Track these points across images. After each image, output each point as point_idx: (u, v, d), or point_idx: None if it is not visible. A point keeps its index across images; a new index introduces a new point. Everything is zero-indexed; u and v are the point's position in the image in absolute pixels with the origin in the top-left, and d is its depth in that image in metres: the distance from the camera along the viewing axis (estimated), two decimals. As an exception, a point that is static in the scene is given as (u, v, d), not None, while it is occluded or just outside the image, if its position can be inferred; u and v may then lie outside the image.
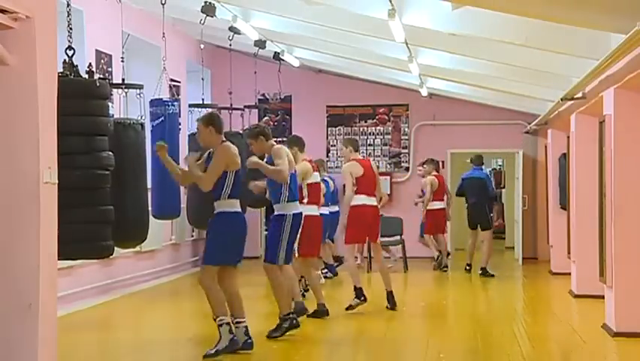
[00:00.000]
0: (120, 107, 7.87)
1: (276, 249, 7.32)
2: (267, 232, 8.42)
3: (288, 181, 7.32)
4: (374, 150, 15.60)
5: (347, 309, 8.85)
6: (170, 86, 9.08)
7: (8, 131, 5.09)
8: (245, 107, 11.19)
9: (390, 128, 15.57)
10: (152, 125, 7.99)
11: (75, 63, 6.03)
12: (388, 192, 13.96)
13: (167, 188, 7.57)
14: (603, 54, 6.64)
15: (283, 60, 12.80)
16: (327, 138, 15.62)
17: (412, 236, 14.03)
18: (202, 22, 9.60)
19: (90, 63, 7.13)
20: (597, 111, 8.53)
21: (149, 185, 7.29)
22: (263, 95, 14.76)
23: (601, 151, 8.34)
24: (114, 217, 6.15)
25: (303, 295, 9.65)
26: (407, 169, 15.46)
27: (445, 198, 13.59)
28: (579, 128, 10.09)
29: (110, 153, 6.14)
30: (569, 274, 10.83)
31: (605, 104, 8.11)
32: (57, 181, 5.24)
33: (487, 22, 7.66)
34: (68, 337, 7.29)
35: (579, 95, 8.65)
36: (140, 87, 7.63)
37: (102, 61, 10.30)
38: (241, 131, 10.11)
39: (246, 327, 6.80)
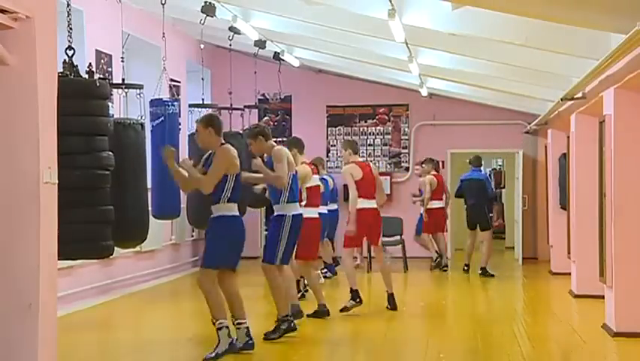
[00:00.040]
0: (120, 107, 7.87)
1: (274, 249, 7.30)
2: (266, 232, 8.42)
3: (290, 182, 7.30)
4: (374, 150, 15.60)
5: (342, 310, 8.79)
6: (170, 86, 9.08)
7: (8, 131, 5.09)
8: (245, 107, 11.19)
9: (390, 128, 15.57)
10: (152, 125, 7.98)
11: (75, 63, 6.03)
12: (388, 192, 13.95)
13: (167, 188, 7.56)
14: (603, 54, 6.63)
15: (283, 60, 12.80)
16: (327, 138, 15.61)
17: (412, 236, 14.00)
18: (202, 22, 9.60)
19: (90, 63, 7.13)
20: (597, 111, 8.53)
21: (149, 185, 7.29)
22: (263, 95, 14.76)
23: (601, 151, 8.34)
24: (114, 217, 6.15)
25: (303, 296, 9.66)
26: (407, 169, 15.46)
27: (444, 197, 13.60)
28: (579, 128, 10.09)
29: (110, 153, 6.14)
30: (569, 274, 10.83)
31: (605, 104, 8.11)
32: (57, 181, 5.24)
33: (487, 22, 7.66)
34: (68, 337, 7.29)
35: (579, 95, 8.65)
36: (140, 87, 7.63)
37: (102, 61, 10.30)
38: (241, 132, 10.11)
39: (247, 328, 6.79)
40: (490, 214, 13.47)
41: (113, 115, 7.02)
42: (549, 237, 13.29)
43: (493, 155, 19.87)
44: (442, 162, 15.28)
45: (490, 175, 20.91)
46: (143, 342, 7.85)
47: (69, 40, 5.98)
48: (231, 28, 10.31)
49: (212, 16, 9.50)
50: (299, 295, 9.43)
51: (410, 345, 7.68)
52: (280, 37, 11.78)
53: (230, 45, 10.79)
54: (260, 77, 11.61)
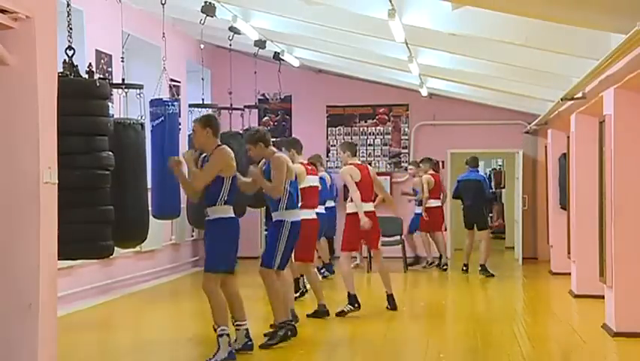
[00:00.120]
0: (120, 107, 7.87)
1: (272, 253, 7.20)
2: (266, 232, 8.39)
3: (288, 188, 7.22)
4: (374, 150, 15.60)
5: (338, 315, 8.74)
6: (170, 86, 9.08)
7: (8, 131, 5.09)
8: (245, 107, 11.18)
9: (390, 128, 15.57)
10: (152, 125, 7.97)
11: (75, 63, 6.02)
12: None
13: (167, 188, 7.56)
14: (603, 54, 6.63)
15: (283, 60, 12.79)
16: (327, 137, 15.61)
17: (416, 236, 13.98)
18: (202, 22, 9.60)
19: (90, 63, 7.13)
20: (597, 111, 8.53)
21: (149, 185, 7.29)
22: (263, 95, 14.75)
23: (601, 151, 8.34)
24: (114, 217, 6.14)
25: (303, 294, 9.65)
26: (407, 169, 15.46)
27: (441, 197, 13.63)
28: (579, 128, 10.09)
29: (110, 153, 6.13)
30: (569, 274, 10.83)
31: (605, 104, 8.11)
32: (57, 181, 5.24)
33: (487, 22, 7.66)
34: (68, 337, 7.29)
35: (579, 95, 8.65)
36: (140, 87, 7.62)
37: (102, 61, 10.30)
38: (241, 132, 10.11)
39: (247, 329, 6.78)
40: (490, 214, 13.51)
41: (113, 115, 7.02)
42: (549, 237, 13.29)
43: (493, 155, 19.88)
44: (442, 162, 15.30)
45: (490, 175, 20.93)
46: (143, 342, 7.85)
47: (69, 40, 5.98)
48: (231, 28, 10.31)
49: (212, 16, 9.49)
50: (298, 293, 9.44)
51: (410, 345, 7.68)
52: (280, 37, 11.78)
53: (230, 45, 10.78)
54: (260, 77, 11.60)
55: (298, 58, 13.38)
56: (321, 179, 10.34)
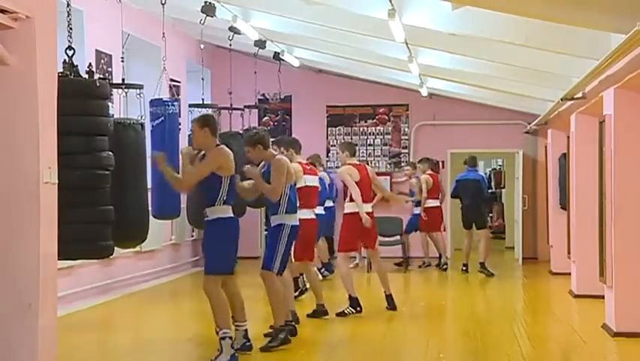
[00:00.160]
0: (120, 107, 7.86)
1: (272, 256, 7.10)
2: (266, 232, 8.37)
3: (288, 192, 7.15)
4: (374, 150, 15.61)
5: (338, 315, 8.73)
6: (170, 86, 9.07)
7: (8, 131, 5.10)
8: (245, 107, 11.17)
9: (390, 128, 15.57)
10: (152, 125, 7.97)
11: (75, 63, 6.02)
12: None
13: (167, 188, 7.52)
14: (603, 54, 6.64)
15: (283, 60, 12.79)
16: (327, 137, 15.61)
17: (412, 236, 13.97)
18: (202, 22, 9.60)
19: (90, 63, 7.13)
20: (597, 111, 8.53)
21: (149, 185, 7.28)
22: (263, 95, 14.76)
23: (601, 151, 8.34)
24: (114, 217, 6.14)
25: (302, 293, 9.63)
26: (414, 166, 15.42)
27: (440, 197, 13.64)
28: (579, 128, 10.09)
29: (110, 153, 6.13)
30: (569, 274, 10.83)
31: (605, 104, 8.11)
32: (57, 181, 5.24)
33: (487, 22, 7.66)
34: (68, 337, 7.29)
35: (579, 95, 8.66)
36: (140, 87, 7.62)
37: (102, 61, 10.30)
38: (241, 132, 10.10)
39: (246, 330, 6.76)
40: (490, 214, 13.51)
41: (113, 115, 7.01)
42: (549, 237, 13.29)
43: (493, 155, 19.88)
44: (442, 162, 15.31)
45: (490, 175, 20.95)
46: (143, 342, 7.85)
47: (69, 40, 5.98)
48: (231, 28, 10.31)
49: (212, 16, 9.49)
50: (298, 292, 9.42)
51: (410, 345, 7.67)
52: (280, 37, 11.78)
53: (230, 45, 10.78)
54: (260, 77, 11.60)
55: (298, 58, 13.38)
56: (320, 179, 10.34)
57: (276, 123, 15.51)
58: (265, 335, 7.37)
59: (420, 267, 13.54)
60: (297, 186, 7.87)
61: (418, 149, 15.41)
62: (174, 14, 11.21)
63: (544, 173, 14.35)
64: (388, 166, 15.52)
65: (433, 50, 10.10)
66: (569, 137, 10.93)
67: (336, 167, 14.31)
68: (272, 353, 6.96)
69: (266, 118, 15.42)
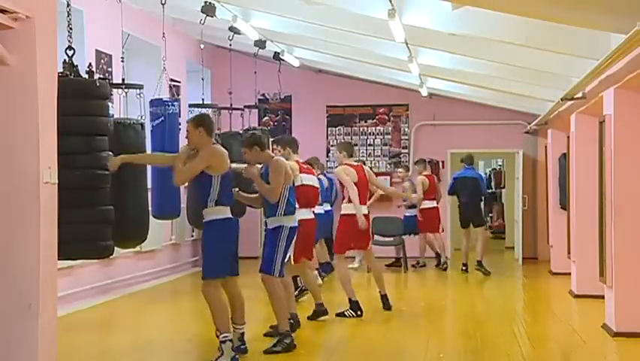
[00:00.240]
0: (120, 107, 7.87)
1: (272, 260, 7.03)
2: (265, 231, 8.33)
3: (286, 194, 7.08)
4: (374, 150, 15.61)
5: (338, 315, 8.72)
6: (170, 86, 9.07)
7: (8, 131, 5.10)
8: (245, 107, 11.18)
9: (390, 128, 15.57)
10: (152, 125, 7.97)
11: (75, 63, 6.03)
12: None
13: (167, 188, 7.54)
14: (603, 54, 6.64)
15: (283, 60, 12.79)
16: (327, 137, 15.61)
17: (412, 236, 13.98)
18: (202, 22, 9.60)
19: (90, 63, 7.13)
20: (597, 111, 8.53)
21: (149, 185, 7.29)
22: (263, 95, 14.76)
23: (601, 151, 8.34)
24: (114, 217, 6.15)
25: (302, 291, 9.61)
26: (407, 169, 15.44)
27: (437, 197, 13.63)
28: (579, 128, 10.10)
29: (110, 153, 6.14)
30: (569, 274, 10.83)
31: (605, 104, 8.11)
32: (57, 181, 5.24)
33: (487, 22, 7.66)
34: (68, 337, 7.29)
35: (579, 95, 8.66)
36: (140, 87, 7.62)
37: (102, 61, 10.30)
38: (241, 132, 10.11)
39: (243, 333, 6.72)
40: (490, 214, 13.50)
41: (113, 115, 7.01)
42: (549, 237, 13.30)
43: (493, 155, 19.89)
44: (442, 162, 15.33)
45: (490, 175, 20.96)
46: (143, 342, 7.85)
47: (69, 40, 5.98)
48: (231, 28, 10.31)
49: (212, 16, 9.49)
50: (297, 291, 9.40)
51: (410, 345, 7.67)
52: (280, 37, 11.78)
53: (230, 45, 10.78)
54: (260, 77, 11.60)
55: (298, 58, 13.38)
56: (319, 181, 10.32)
57: (276, 123, 15.51)
58: (265, 335, 7.36)
59: (414, 266, 13.53)
60: (295, 184, 7.84)
61: (418, 149, 15.41)
62: (174, 14, 11.21)
63: (544, 173, 14.36)
64: (388, 166, 15.52)
65: (433, 50, 10.10)
66: (569, 137, 10.93)
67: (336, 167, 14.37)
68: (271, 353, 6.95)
69: (266, 118, 15.43)
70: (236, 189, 7.07)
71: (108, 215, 6.09)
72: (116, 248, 6.38)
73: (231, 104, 10.72)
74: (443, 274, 13.07)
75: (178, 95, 11.09)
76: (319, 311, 8.52)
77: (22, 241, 5.07)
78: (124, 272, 10.83)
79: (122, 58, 8.11)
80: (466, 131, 15.27)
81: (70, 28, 6.01)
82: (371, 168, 10.37)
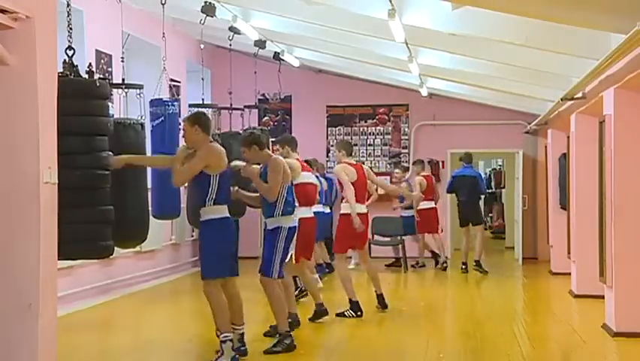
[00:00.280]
0: (120, 107, 7.87)
1: (270, 261, 6.99)
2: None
3: (284, 193, 7.04)
4: (374, 150, 15.61)
5: (338, 315, 8.72)
6: (170, 86, 9.07)
7: (8, 131, 5.10)
8: (245, 107, 11.17)
9: (390, 128, 15.57)
10: (152, 125, 7.97)
11: (75, 63, 6.02)
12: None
13: (167, 188, 7.53)
14: (603, 54, 6.64)
15: (283, 60, 12.79)
16: (327, 137, 15.61)
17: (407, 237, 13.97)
18: (202, 22, 9.59)
19: (90, 63, 7.13)
20: (597, 111, 8.53)
21: (149, 185, 7.28)
22: (263, 95, 14.76)
23: (601, 151, 8.34)
24: (114, 217, 6.14)
25: (301, 291, 9.61)
26: (407, 169, 15.43)
27: (435, 198, 13.63)
28: (579, 128, 10.10)
29: (110, 153, 6.13)
30: (569, 274, 10.83)
31: (605, 104, 8.11)
32: (57, 181, 5.24)
33: (487, 22, 7.66)
34: (68, 337, 7.29)
35: (579, 95, 8.66)
36: (140, 87, 7.62)
37: (102, 61, 10.30)
38: (241, 132, 10.09)
39: (242, 334, 6.70)
40: (490, 214, 13.50)
41: (113, 115, 7.00)
42: (549, 237, 13.30)
43: (493, 155, 19.89)
44: (442, 162, 15.33)
45: (490, 175, 20.97)
46: (143, 342, 7.85)
47: (69, 40, 5.97)
48: (231, 28, 10.31)
49: (212, 16, 9.49)
50: (297, 291, 9.40)
51: (410, 345, 7.67)
52: (280, 37, 11.78)
53: (230, 45, 10.77)
54: (260, 77, 11.59)
55: (298, 58, 13.38)
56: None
57: (276, 123, 15.51)
58: (265, 335, 7.36)
59: (413, 267, 13.52)
60: (295, 182, 7.81)
61: (418, 149, 15.41)
62: (174, 14, 11.21)
63: (544, 173, 14.36)
64: (388, 166, 15.51)
65: (433, 50, 10.10)
66: (569, 137, 10.93)
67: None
68: (270, 354, 6.94)
69: (266, 118, 15.43)
70: (236, 188, 7.05)
71: (108, 215, 6.08)
72: (116, 248, 6.37)
73: (231, 104, 10.71)
74: (443, 274, 13.07)
75: (178, 95, 11.09)
76: (319, 311, 8.51)
77: (22, 241, 5.07)
78: (124, 272, 10.83)
79: (122, 58, 8.11)
80: (466, 131, 15.27)
81: (70, 28, 6.00)
82: (371, 168, 10.32)
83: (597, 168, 8.59)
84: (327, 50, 11.84)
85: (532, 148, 15.46)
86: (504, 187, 19.33)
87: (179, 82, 12.71)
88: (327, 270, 12.16)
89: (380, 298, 9.19)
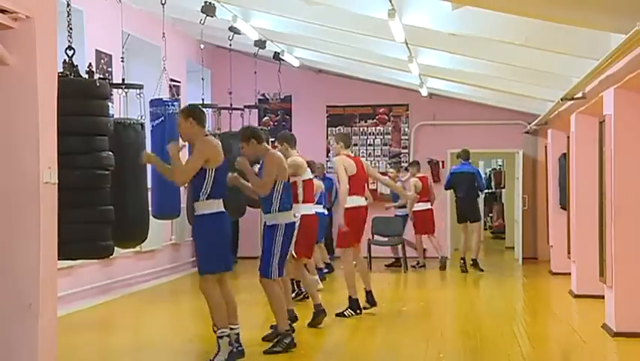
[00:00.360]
0: (120, 107, 7.87)
1: (269, 262, 6.94)
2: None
3: (280, 190, 6.95)
4: (374, 150, 15.61)
5: (337, 315, 8.70)
6: (170, 86, 9.07)
7: (8, 131, 5.10)
8: (245, 107, 11.17)
9: (390, 128, 15.57)
10: (152, 125, 7.98)
11: (75, 63, 6.02)
12: (387, 193, 13.93)
13: (167, 188, 7.55)
14: (603, 54, 6.64)
15: (283, 60, 12.80)
16: (327, 138, 15.61)
17: (412, 236, 13.98)
18: (202, 22, 9.60)
19: (90, 63, 7.13)
20: (597, 111, 8.53)
21: (149, 185, 7.28)
22: (263, 95, 14.76)
23: (601, 151, 8.34)
24: (114, 217, 6.14)
25: (300, 294, 9.61)
26: (407, 169, 15.43)
27: (430, 199, 13.62)
28: (579, 128, 10.09)
29: (110, 153, 6.13)
30: (569, 274, 10.83)
31: (605, 104, 8.11)
32: (57, 181, 5.24)
33: (487, 22, 7.66)
34: (68, 337, 7.29)
35: (579, 95, 8.66)
36: (140, 87, 7.62)
37: (102, 61, 10.30)
38: (240, 132, 10.09)
39: (238, 334, 6.62)
40: (490, 214, 13.50)
41: (113, 115, 7.01)
42: (549, 237, 13.30)
43: (493, 155, 19.89)
44: (442, 162, 15.33)
45: (490, 175, 20.96)
46: (142, 342, 7.85)
47: (69, 40, 5.98)
48: (231, 28, 10.31)
49: (212, 16, 9.49)
50: (294, 294, 9.39)
51: (410, 345, 7.67)
52: (280, 37, 11.78)
53: (230, 45, 10.78)
54: (260, 77, 11.60)
55: (298, 58, 13.38)
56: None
57: (276, 123, 15.51)
58: (263, 339, 7.30)
59: (413, 267, 13.51)
60: (303, 178, 7.84)
61: (418, 149, 15.42)
62: (174, 14, 11.21)
63: (544, 173, 14.36)
64: (388, 166, 15.49)
65: (433, 50, 10.11)
66: (569, 137, 10.93)
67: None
68: (269, 355, 6.93)
69: (266, 118, 15.43)
70: (235, 173, 6.97)
71: (108, 215, 6.09)
72: (116, 248, 6.38)
73: (231, 104, 10.71)
74: (443, 274, 13.07)
75: (178, 95, 11.09)
76: (319, 312, 8.46)
77: (22, 241, 5.07)
78: (124, 272, 10.83)
79: (122, 58, 8.11)
80: (466, 131, 15.27)
81: (70, 28, 6.01)
82: (371, 169, 10.31)
83: (597, 168, 8.59)
84: (327, 50, 11.84)
85: (532, 148, 15.46)
86: (504, 187, 19.33)
87: (179, 82, 12.71)
88: (326, 270, 12.15)
89: (369, 295, 9.08)
